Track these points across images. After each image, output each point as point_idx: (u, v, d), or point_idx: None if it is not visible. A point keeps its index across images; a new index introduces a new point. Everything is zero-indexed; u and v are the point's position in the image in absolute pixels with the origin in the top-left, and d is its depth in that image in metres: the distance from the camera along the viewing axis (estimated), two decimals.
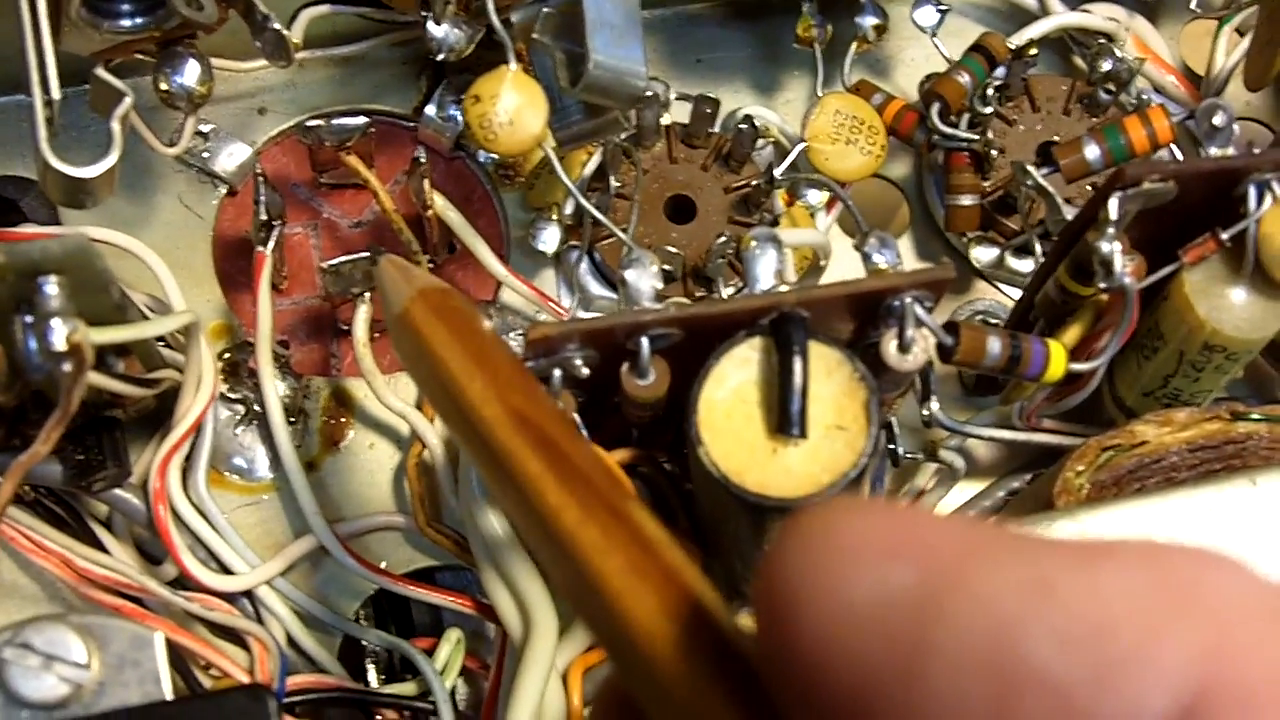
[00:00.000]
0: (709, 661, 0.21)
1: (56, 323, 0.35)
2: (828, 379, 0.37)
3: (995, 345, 0.38)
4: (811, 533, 0.18)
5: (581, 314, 0.48)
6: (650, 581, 0.23)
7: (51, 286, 0.36)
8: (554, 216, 0.49)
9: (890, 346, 0.37)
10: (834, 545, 0.17)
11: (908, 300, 0.37)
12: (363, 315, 0.46)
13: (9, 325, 0.37)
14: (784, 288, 0.39)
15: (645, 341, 0.37)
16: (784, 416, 0.36)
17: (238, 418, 0.47)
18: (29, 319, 0.36)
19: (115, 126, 0.41)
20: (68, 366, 0.36)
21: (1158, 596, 0.16)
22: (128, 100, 0.41)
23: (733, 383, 0.37)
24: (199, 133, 0.50)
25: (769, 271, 0.39)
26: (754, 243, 0.40)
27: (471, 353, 0.31)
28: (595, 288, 0.50)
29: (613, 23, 0.41)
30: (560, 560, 0.25)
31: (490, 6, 0.40)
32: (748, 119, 0.49)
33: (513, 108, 0.40)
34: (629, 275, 0.39)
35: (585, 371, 0.37)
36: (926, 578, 0.17)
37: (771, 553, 0.18)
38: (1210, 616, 0.16)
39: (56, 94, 0.40)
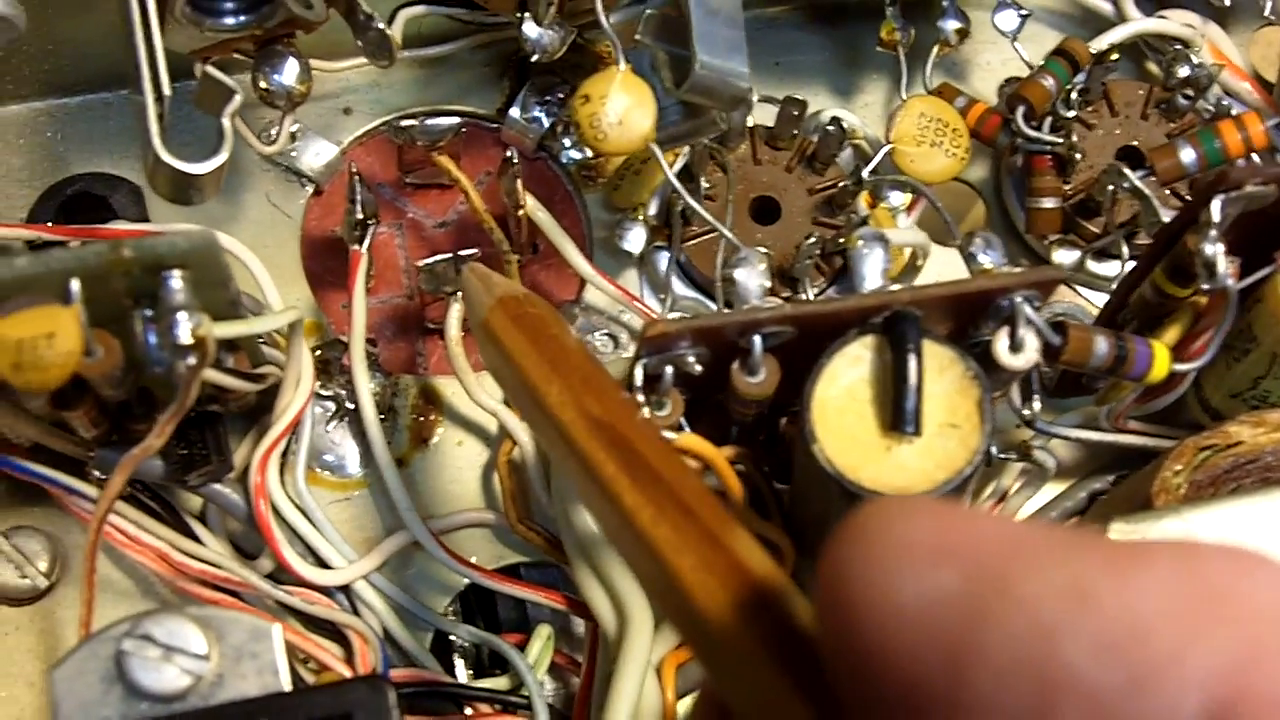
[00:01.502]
0: (777, 652, 0.21)
1: (182, 316, 0.36)
2: (940, 377, 0.37)
3: (1102, 345, 0.39)
4: (865, 532, 0.18)
5: (672, 316, 0.48)
6: (721, 578, 0.24)
7: (176, 281, 0.36)
8: (639, 217, 0.49)
9: (1002, 346, 0.37)
10: (886, 546, 0.18)
11: (1018, 300, 0.37)
12: (455, 313, 0.47)
13: (127, 321, 0.37)
14: (895, 286, 0.40)
15: (758, 340, 0.37)
16: (899, 414, 0.36)
17: (329, 415, 0.48)
18: (148, 313, 0.37)
19: (226, 123, 0.41)
20: (192, 360, 0.36)
21: (1192, 602, 0.16)
22: (238, 98, 0.42)
23: (845, 381, 0.37)
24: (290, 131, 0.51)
25: (876, 270, 0.40)
26: (861, 242, 0.40)
27: (548, 358, 0.32)
28: (680, 288, 0.50)
29: (716, 22, 0.42)
30: (638, 556, 0.26)
31: (600, 8, 0.40)
32: (835, 121, 0.49)
33: (622, 108, 0.40)
34: (738, 274, 0.40)
35: (698, 369, 0.38)
36: (972, 581, 0.17)
37: (828, 552, 0.19)
38: (1244, 623, 0.16)
39: (167, 90, 0.41)
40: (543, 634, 0.46)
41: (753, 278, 0.40)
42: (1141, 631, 0.16)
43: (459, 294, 0.47)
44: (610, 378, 0.32)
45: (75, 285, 0.36)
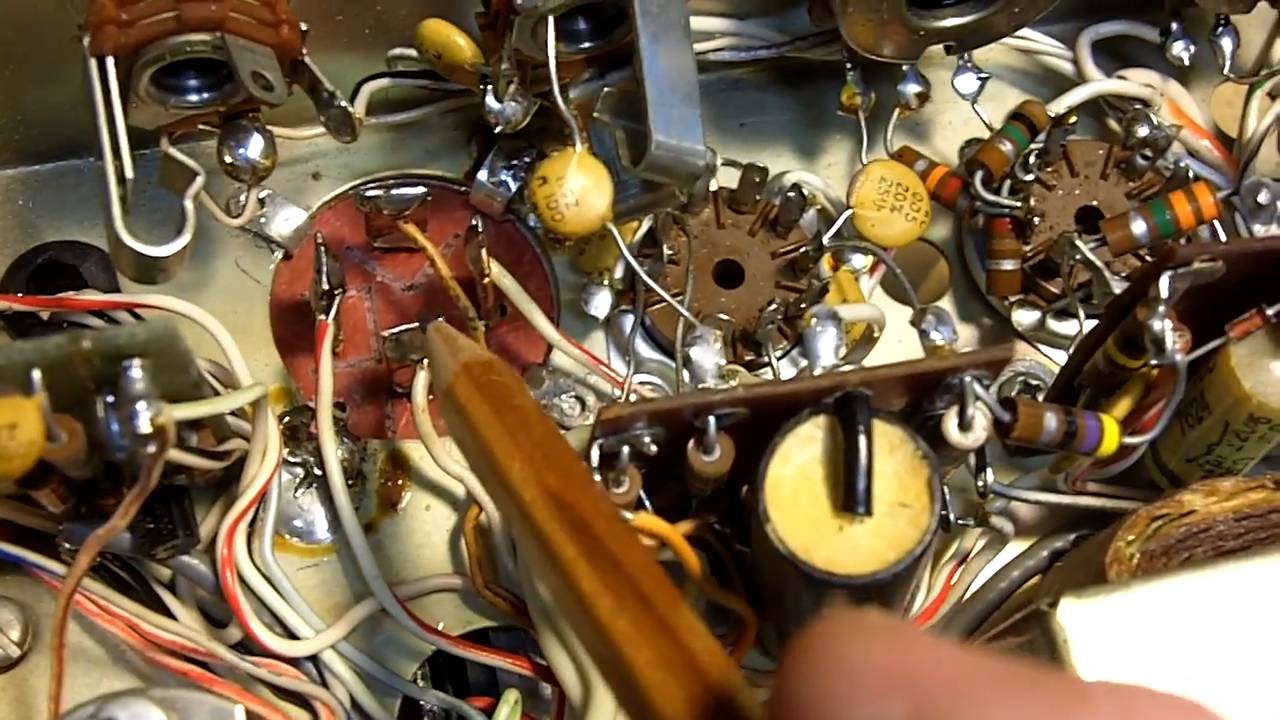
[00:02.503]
0: None
1: (142, 406, 0.36)
2: (890, 456, 0.38)
3: (1052, 422, 0.39)
4: (819, 655, 0.19)
5: (637, 379, 0.48)
6: (678, 675, 0.25)
7: (136, 370, 0.36)
8: (605, 281, 0.50)
9: (951, 425, 0.38)
10: (839, 672, 0.19)
11: (967, 379, 0.38)
12: (421, 381, 0.47)
13: (89, 405, 0.38)
14: (846, 367, 0.40)
15: (713, 420, 0.38)
16: (850, 495, 0.37)
17: (297, 480, 0.48)
18: (110, 398, 0.37)
19: (189, 205, 0.42)
20: (152, 448, 0.36)
21: None
22: (200, 179, 0.42)
23: (798, 460, 0.38)
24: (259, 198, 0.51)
25: (830, 349, 0.41)
26: (815, 320, 0.41)
27: (511, 431, 0.33)
28: (645, 350, 0.51)
29: (672, 102, 0.42)
30: (595, 643, 0.27)
31: (558, 97, 0.41)
32: (795, 187, 0.50)
33: (578, 189, 0.41)
34: (694, 353, 0.40)
35: (653, 449, 0.39)
36: (917, 716, 0.18)
37: (782, 669, 0.20)
38: None
39: (130, 173, 0.41)
40: (510, 699, 0.46)
41: (708, 356, 0.41)
42: None
43: (425, 361, 0.47)
44: (572, 453, 0.33)
45: (37, 376, 0.36)
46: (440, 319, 0.46)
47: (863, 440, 0.37)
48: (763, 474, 0.38)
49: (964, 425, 0.38)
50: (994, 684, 0.18)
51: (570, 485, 0.30)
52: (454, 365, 0.35)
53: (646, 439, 0.38)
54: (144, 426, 0.36)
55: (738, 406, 0.38)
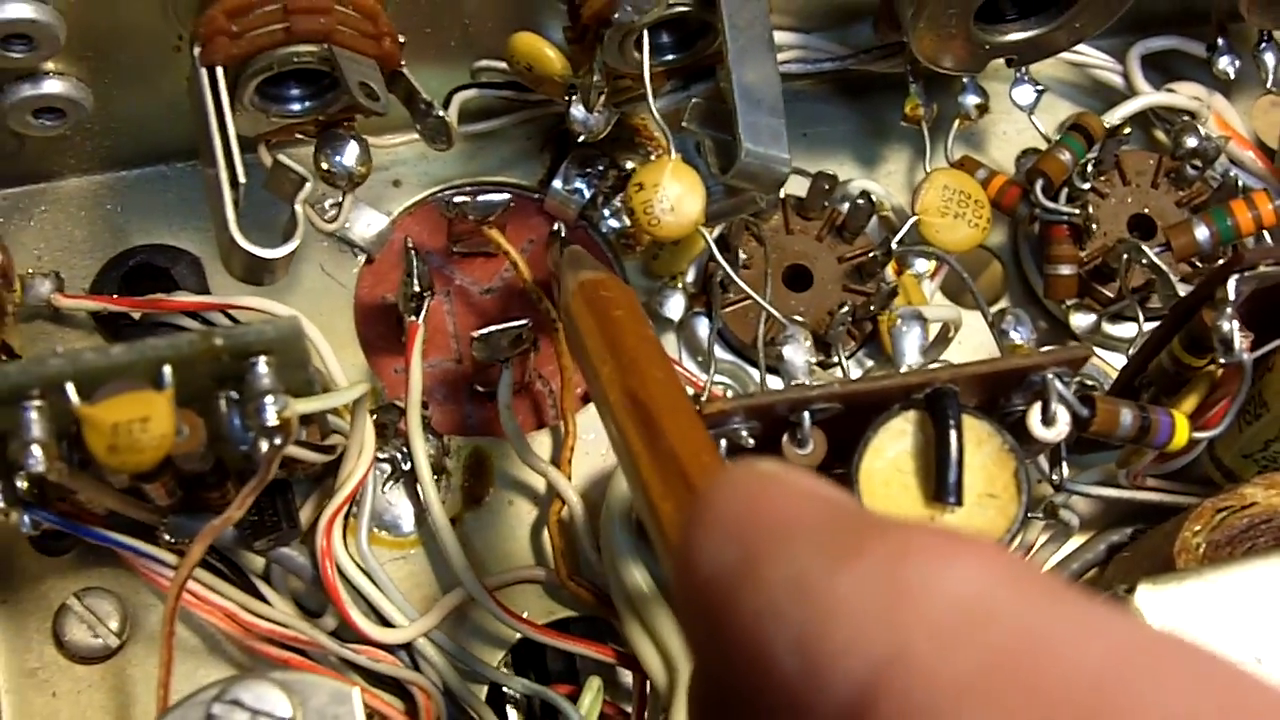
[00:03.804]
0: None
1: (269, 400, 0.38)
2: (978, 449, 0.40)
3: (1128, 417, 0.41)
4: (701, 499, 0.21)
5: (716, 380, 0.50)
6: None
7: (263, 366, 0.38)
8: (678, 285, 0.52)
9: (1035, 420, 0.40)
10: (705, 515, 0.21)
11: (1050, 377, 0.40)
12: (506, 380, 0.49)
13: (210, 400, 0.39)
14: (933, 365, 0.42)
15: (807, 415, 0.40)
16: (941, 485, 0.39)
17: (385, 476, 0.50)
18: (234, 394, 0.39)
19: (299, 209, 0.44)
20: (277, 440, 0.38)
21: (879, 599, 0.18)
22: (309, 185, 0.44)
23: (890, 454, 0.40)
24: (337, 204, 0.53)
25: (914, 347, 0.43)
26: (900, 321, 0.43)
27: (608, 339, 0.37)
28: (717, 351, 0.52)
29: (759, 112, 0.44)
30: (648, 521, 0.31)
31: (652, 108, 0.43)
32: (864, 194, 0.52)
33: (674, 196, 0.43)
34: (786, 351, 0.42)
35: (751, 442, 0.40)
36: (739, 562, 0.20)
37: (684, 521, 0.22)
38: (909, 622, 0.17)
39: (243, 178, 0.43)
40: (593, 686, 0.48)
41: (799, 354, 0.43)
42: (827, 626, 0.18)
43: (509, 362, 0.49)
44: (656, 358, 0.37)
45: (168, 371, 0.38)
46: (525, 325, 0.48)
47: (953, 434, 0.39)
48: (856, 466, 0.40)
49: (1047, 420, 0.40)
50: (807, 529, 0.19)
51: (646, 388, 0.34)
52: (572, 284, 0.40)
53: (744, 432, 0.40)
54: (271, 419, 0.38)
55: (832, 402, 0.40)
